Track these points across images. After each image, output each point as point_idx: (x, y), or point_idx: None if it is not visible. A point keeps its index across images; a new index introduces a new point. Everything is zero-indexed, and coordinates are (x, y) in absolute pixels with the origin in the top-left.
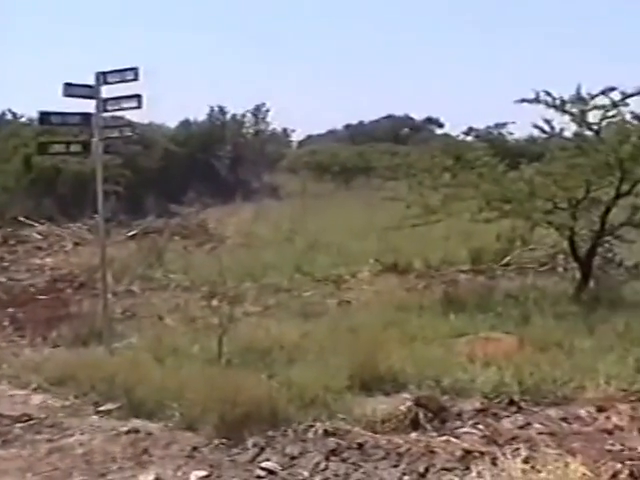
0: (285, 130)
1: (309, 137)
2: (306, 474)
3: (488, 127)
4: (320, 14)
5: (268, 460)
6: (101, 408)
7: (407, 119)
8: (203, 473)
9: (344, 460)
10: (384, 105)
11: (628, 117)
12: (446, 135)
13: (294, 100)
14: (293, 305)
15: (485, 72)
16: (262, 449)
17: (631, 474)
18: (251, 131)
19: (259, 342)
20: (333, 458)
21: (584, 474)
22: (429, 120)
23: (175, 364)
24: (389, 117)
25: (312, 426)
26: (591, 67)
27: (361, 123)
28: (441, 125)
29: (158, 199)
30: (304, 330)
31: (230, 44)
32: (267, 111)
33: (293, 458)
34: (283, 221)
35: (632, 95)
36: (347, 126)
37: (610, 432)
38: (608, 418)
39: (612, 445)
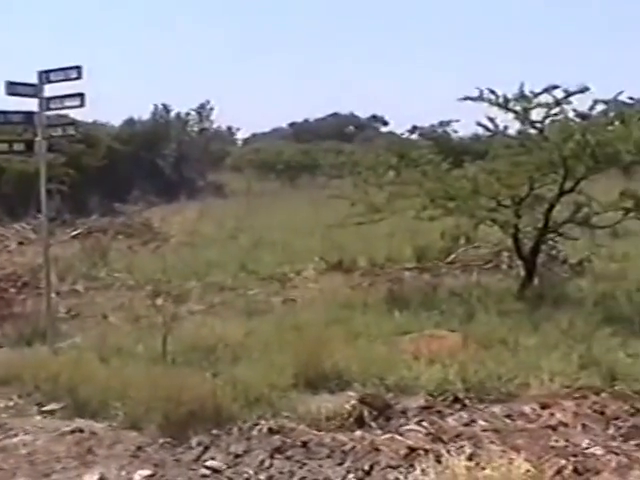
0: (230, 128)
1: (254, 135)
2: (251, 472)
3: (432, 125)
4: (264, 12)
5: (213, 459)
6: (45, 408)
7: (352, 117)
8: (147, 472)
9: (289, 458)
10: (329, 103)
11: (571, 115)
12: (391, 133)
13: (239, 98)
14: (238, 303)
15: (430, 70)
16: (207, 448)
17: (575, 470)
18: (195, 129)
19: (203, 340)
20: (278, 456)
21: (528, 470)
22: (374, 118)
23: (119, 363)
24: (334, 115)
25: (257, 424)
26: (533, 64)
27: (306, 121)
28: (386, 123)
29: (102, 198)
30: (249, 328)
31: (174, 42)
32: (211, 109)
33: (238, 456)
34: (228, 219)
35: (575, 93)
36: (292, 124)
37: (554, 428)
38: (552, 414)
39: (556, 441)
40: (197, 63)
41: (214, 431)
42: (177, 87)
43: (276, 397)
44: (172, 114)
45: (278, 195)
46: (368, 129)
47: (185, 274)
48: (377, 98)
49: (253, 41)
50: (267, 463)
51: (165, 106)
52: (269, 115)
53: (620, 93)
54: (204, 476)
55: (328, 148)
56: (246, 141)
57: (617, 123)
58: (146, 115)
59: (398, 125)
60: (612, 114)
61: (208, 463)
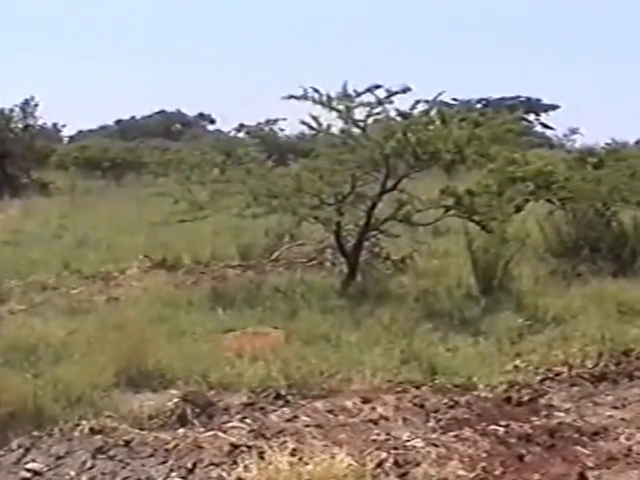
0: (55, 125)
1: (80, 132)
2: (72, 473)
3: (259, 123)
4: (90, 5)
5: (34, 461)
6: None
7: (179, 115)
8: None
9: (111, 458)
10: (156, 100)
11: (393, 114)
12: (219, 131)
13: (65, 95)
14: (60, 302)
15: (261, 68)
16: (27, 450)
17: (395, 462)
18: (20, 126)
19: (24, 341)
20: (100, 456)
21: (350, 464)
22: (201, 116)
23: None
24: (161, 112)
25: (78, 425)
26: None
27: (133, 118)
28: (213, 121)
29: None
30: (71, 328)
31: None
32: (36, 105)
33: (59, 458)
34: (52, 218)
35: (397, 93)
36: (118, 121)
37: (375, 422)
38: (374, 409)
39: (377, 435)
40: (22, 58)
41: (35, 433)
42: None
43: (98, 397)
44: None
45: (103, 193)
46: (195, 127)
47: (6, 273)
48: (204, 96)
49: (77, 37)
50: (89, 464)
51: None
52: (95, 112)
53: (441, 93)
54: (25, 479)
55: (154, 146)
56: (72, 138)
57: (438, 123)
58: None
59: (225, 123)
60: (433, 113)
61: (29, 465)
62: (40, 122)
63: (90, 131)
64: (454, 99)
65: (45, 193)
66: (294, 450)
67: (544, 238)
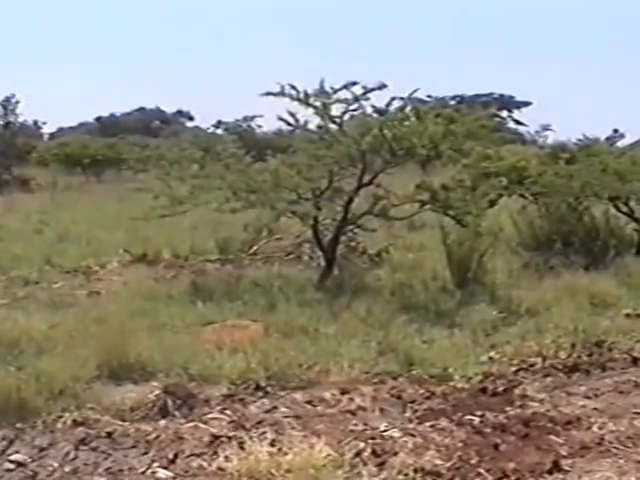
0: (36, 122)
1: (61, 129)
2: (56, 465)
3: (237, 120)
4: (70, 4)
5: (17, 452)
6: None
7: (158, 112)
8: None
9: (94, 449)
10: (136, 97)
11: (369, 110)
12: (197, 128)
13: (45, 92)
14: (42, 297)
15: (239, 65)
16: (11, 442)
17: (373, 452)
18: (1, 123)
19: (7, 334)
20: (83, 448)
21: (329, 454)
22: (180, 113)
23: None
24: (140, 110)
25: (61, 417)
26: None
27: (112, 115)
28: (192, 118)
29: None
30: (53, 321)
31: None
32: (17, 103)
33: (42, 449)
34: (33, 213)
35: (373, 90)
36: (98, 118)
37: (353, 413)
38: (351, 400)
39: (355, 425)
40: (2, 56)
41: (18, 425)
42: None
43: (80, 389)
44: None
45: (84, 189)
46: (174, 124)
47: None
48: (182, 93)
49: (58, 35)
50: (72, 455)
51: None
52: (76, 109)
53: (416, 90)
54: (9, 470)
55: (134, 142)
56: (53, 135)
57: (413, 119)
58: None
59: (204, 120)
60: (409, 109)
61: (13, 457)
62: (21, 119)
63: (70, 128)
64: (429, 96)
65: (26, 189)
66: (273, 440)
67: (517, 232)
